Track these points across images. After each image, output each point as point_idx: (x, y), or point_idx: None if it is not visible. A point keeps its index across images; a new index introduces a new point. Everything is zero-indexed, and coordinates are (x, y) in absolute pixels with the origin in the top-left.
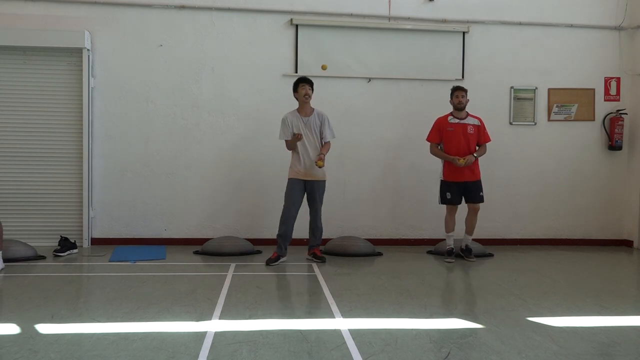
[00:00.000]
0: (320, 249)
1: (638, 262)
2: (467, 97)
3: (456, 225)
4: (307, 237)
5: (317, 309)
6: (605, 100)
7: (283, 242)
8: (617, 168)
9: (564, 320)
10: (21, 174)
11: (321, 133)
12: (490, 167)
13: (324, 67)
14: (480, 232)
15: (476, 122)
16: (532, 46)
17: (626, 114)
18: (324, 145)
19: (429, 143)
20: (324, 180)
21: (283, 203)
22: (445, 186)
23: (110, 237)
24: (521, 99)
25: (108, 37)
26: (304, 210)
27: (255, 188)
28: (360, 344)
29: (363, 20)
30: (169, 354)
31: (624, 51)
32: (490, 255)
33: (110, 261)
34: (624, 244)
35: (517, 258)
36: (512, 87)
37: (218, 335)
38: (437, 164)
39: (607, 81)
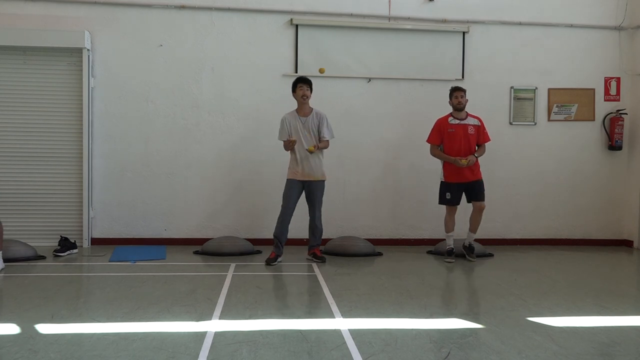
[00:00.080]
0: (320, 249)
1: (638, 262)
2: (466, 97)
3: (456, 225)
4: (307, 237)
5: (317, 309)
6: (605, 100)
7: (279, 241)
8: (617, 168)
9: (564, 320)
10: (21, 174)
11: (319, 133)
12: (490, 167)
13: (321, 71)
14: (480, 232)
15: (476, 122)
16: (532, 46)
17: (626, 114)
18: (322, 141)
19: (429, 145)
20: (323, 181)
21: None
22: (445, 187)
23: (110, 237)
24: (521, 99)
25: (108, 37)
26: (304, 211)
27: (255, 188)
28: (360, 344)
29: (363, 20)
30: (169, 354)
31: (624, 51)
32: (490, 255)
33: (110, 261)
34: (624, 244)
35: (517, 258)
36: (512, 87)
37: (218, 335)
38: (437, 164)
39: (607, 81)
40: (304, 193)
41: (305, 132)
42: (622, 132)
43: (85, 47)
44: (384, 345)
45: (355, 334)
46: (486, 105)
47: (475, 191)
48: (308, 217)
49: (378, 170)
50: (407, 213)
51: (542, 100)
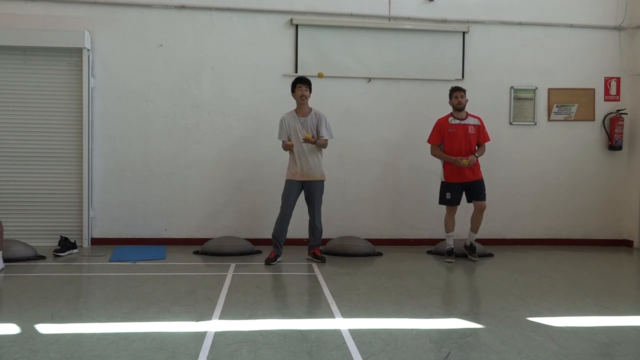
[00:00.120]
0: (320, 249)
1: (638, 262)
2: (466, 97)
3: (457, 225)
4: (307, 237)
5: (317, 309)
6: (605, 100)
7: (278, 241)
8: (617, 168)
9: (564, 320)
10: (21, 174)
11: (318, 133)
12: (490, 167)
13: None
14: (480, 232)
15: (476, 122)
16: (532, 46)
17: (626, 114)
18: (320, 139)
19: (430, 145)
20: (322, 181)
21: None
22: (445, 187)
23: (110, 237)
24: (521, 99)
25: (108, 37)
26: (303, 210)
27: (255, 188)
28: (360, 344)
29: (363, 20)
30: (169, 354)
31: (624, 51)
32: (490, 255)
33: (110, 261)
34: (624, 244)
35: (517, 258)
36: (512, 87)
37: (218, 335)
38: (437, 164)
39: (607, 81)
40: (303, 193)
41: (303, 132)
42: (622, 132)
43: (85, 47)
44: (384, 345)
45: (355, 334)
46: (486, 105)
47: (476, 191)
48: (308, 217)
49: (378, 170)
50: (407, 213)
51: (542, 100)
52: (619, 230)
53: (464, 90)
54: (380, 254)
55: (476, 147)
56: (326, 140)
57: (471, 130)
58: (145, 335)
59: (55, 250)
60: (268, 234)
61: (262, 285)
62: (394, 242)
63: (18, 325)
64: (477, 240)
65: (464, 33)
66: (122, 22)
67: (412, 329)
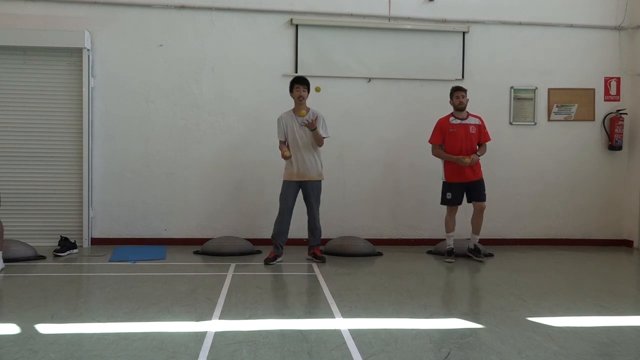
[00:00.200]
0: (320, 249)
1: (638, 262)
2: (467, 97)
3: (459, 225)
4: (307, 237)
5: (317, 309)
6: (605, 100)
7: (278, 242)
8: (617, 168)
9: (564, 320)
10: (21, 174)
11: None
12: (490, 167)
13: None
14: (480, 232)
15: (477, 121)
16: (532, 46)
17: (626, 114)
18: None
19: (431, 145)
20: (319, 180)
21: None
22: (446, 187)
23: (110, 237)
24: (521, 99)
25: (108, 37)
26: (303, 210)
27: (255, 188)
28: (360, 344)
29: (363, 20)
30: (169, 354)
31: (624, 51)
32: (490, 255)
33: (110, 261)
34: (624, 244)
35: (517, 258)
36: (512, 87)
37: (218, 335)
38: (437, 164)
39: (607, 81)
40: (301, 194)
41: (301, 132)
42: (622, 132)
43: (85, 47)
44: (384, 345)
45: (355, 334)
46: (486, 105)
47: (476, 191)
48: (307, 217)
49: (378, 170)
50: (407, 213)
51: (542, 100)
52: (619, 230)
53: (465, 90)
54: (380, 254)
55: (477, 147)
56: (323, 137)
57: (472, 130)
58: (145, 335)
59: (55, 250)
60: (268, 234)
61: (262, 285)
62: (394, 242)
63: (18, 325)
64: None
65: (464, 33)
66: (122, 22)
67: (412, 329)
